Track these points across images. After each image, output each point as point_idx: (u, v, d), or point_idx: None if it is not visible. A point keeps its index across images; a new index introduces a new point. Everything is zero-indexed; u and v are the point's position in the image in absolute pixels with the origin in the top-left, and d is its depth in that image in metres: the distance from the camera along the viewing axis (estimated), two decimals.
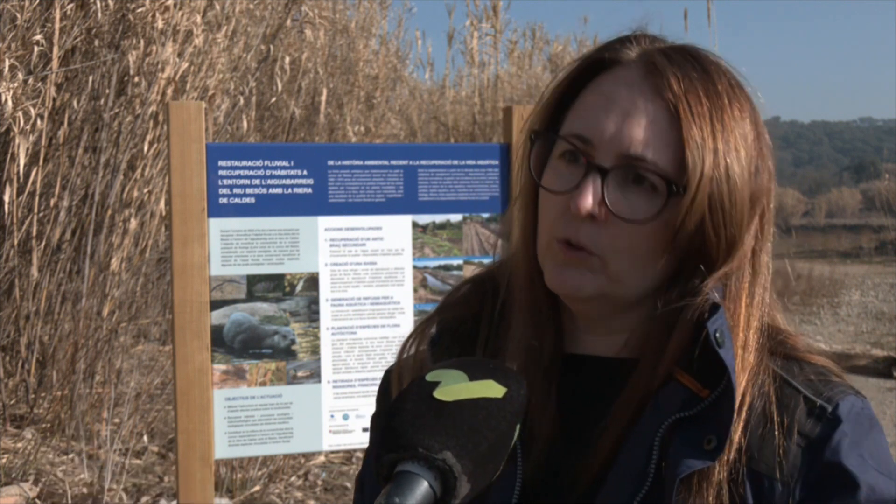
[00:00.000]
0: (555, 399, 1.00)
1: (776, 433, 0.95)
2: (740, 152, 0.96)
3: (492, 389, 0.84)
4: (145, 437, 4.77)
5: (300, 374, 2.52)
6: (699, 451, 0.92)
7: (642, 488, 0.93)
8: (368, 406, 2.06)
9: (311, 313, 2.52)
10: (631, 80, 0.98)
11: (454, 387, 0.84)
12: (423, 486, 0.76)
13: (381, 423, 0.85)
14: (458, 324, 1.07)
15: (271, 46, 6.88)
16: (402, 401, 0.84)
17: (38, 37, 4.56)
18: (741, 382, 0.95)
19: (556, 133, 1.00)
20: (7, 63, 4.24)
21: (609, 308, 1.01)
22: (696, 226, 0.95)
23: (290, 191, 2.49)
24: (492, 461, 0.82)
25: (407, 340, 1.10)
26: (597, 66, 1.02)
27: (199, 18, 5.36)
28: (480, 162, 2.65)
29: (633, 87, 0.97)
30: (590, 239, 0.96)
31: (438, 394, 0.83)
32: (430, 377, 0.86)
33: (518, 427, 0.86)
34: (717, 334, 0.94)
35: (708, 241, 0.96)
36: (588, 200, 0.94)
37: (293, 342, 2.51)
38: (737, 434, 0.94)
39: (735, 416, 0.92)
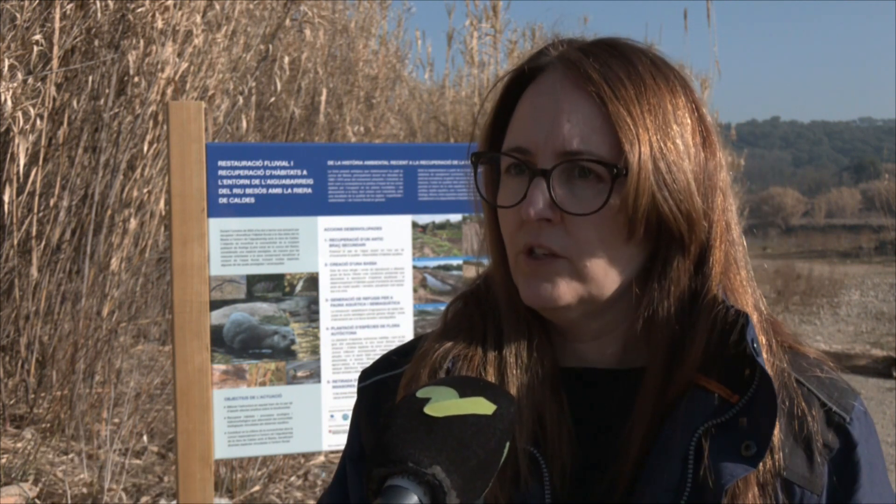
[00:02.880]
0: (569, 414, 1.00)
1: (803, 442, 0.97)
2: (672, 126, 0.97)
3: (482, 406, 0.84)
4: (145, 437, 4.77)
5: (300, 374, 2.52)
6: (738, 458, 0.92)
7: (681, 498, 0.93)
8: None
9: (311, 313, 2.52)
10: (553, 81, 0.99)
11: (444, 403, 0.84)
12: (412, 501, 0.77)
13: (373, 439, 0.85)
14: (470, 351, 1.03)
15: (271, 46, 6.87)
16: (392, 416, 0.84)
17: (38, 37, 4.55)
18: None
19: (500, 151, 1.02)
20: (7, 63, 4.24)
21: (590, 311, 1.00)
22: (649, 204, 0.95)
23: (289, 191, 2.49)
24: (481, 477, 0.82)
25: (419, 369, 1.02)
26: (522, 79, 1.03)
27: (198, 18, 5.36)
28: None
29: (556, 87, 0.98)
30: (551, 240, 0.97)
31: (429, 410, 0.83)
32: (420, 394, 0.86)
33: (507, 444, 0.86)
34: (755, 344, 0.94)
35: (666, 219, 0.96)
36: (533, 206, 0.95)
37: (293, 342, 2.51)
38: (775, 438, 0.94)
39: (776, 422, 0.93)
